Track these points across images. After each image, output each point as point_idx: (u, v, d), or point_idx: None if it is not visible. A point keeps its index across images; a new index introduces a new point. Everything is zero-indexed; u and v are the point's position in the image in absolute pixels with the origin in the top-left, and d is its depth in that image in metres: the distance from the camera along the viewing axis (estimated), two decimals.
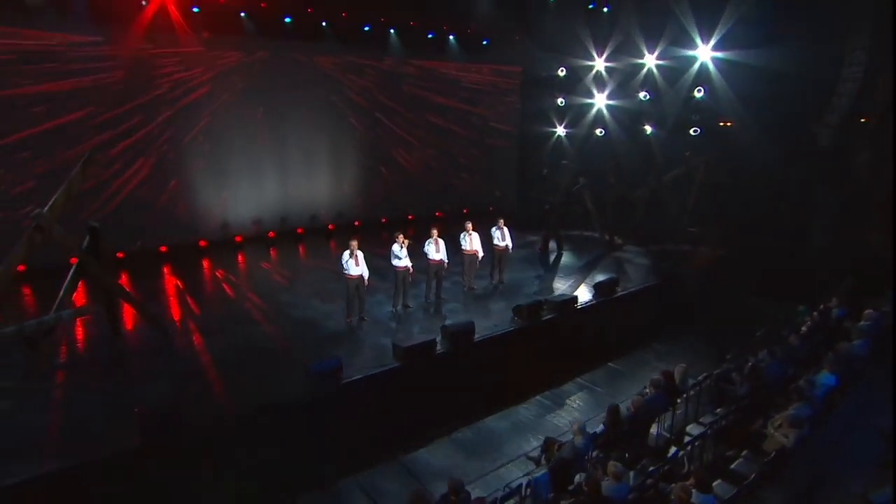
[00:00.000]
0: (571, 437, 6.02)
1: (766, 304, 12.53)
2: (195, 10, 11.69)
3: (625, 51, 15.02)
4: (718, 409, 6.82)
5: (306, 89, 14.12)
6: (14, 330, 7.12)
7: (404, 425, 7.26)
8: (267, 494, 6.19)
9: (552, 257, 13.64)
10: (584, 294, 10.69)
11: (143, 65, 11.64)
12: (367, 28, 14.51)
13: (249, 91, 13.16)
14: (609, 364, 9.83)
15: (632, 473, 5.54)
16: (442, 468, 6.84)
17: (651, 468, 5.58)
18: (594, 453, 6.00)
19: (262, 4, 12.48)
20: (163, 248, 12.50)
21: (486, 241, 10.79)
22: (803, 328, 8.85)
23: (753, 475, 5.26)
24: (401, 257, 9.30)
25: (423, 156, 16.91)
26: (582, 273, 12.36)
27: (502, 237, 10.85)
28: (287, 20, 13.08)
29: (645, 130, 15.28)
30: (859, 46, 11.88)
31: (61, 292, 7.55)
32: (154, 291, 10.39)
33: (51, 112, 10.69)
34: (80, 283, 8.97)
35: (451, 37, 16.27)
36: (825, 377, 7.08)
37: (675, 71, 14.29)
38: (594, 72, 15.77)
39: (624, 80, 15.47)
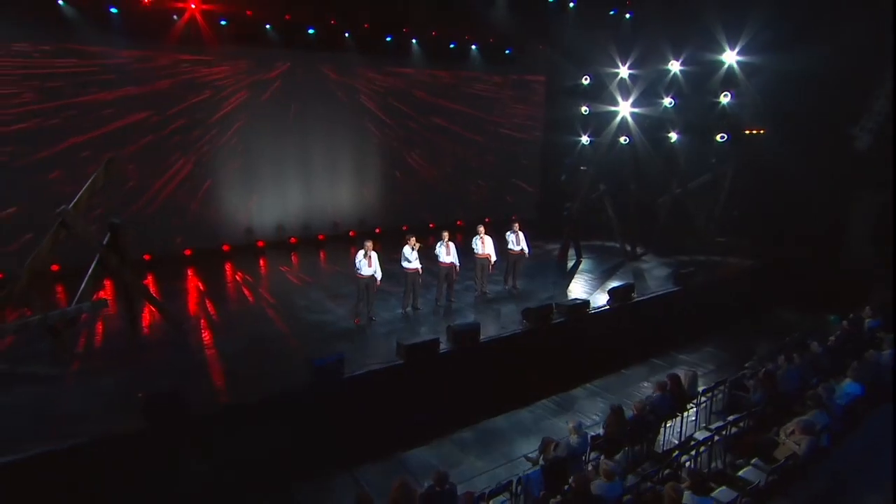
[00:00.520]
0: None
1: (796, 316, 11.98)
2: (223, 22, 12.22)
3: (649, 57, 14.76)
4: (730, 417, 6.50)
5: (329, 99, 14.46)
6: (39, 319, 7.52)
7: (405, 423, 7.20)
8: (262, 484, 6.23)
9: (570, 264, 13.40)
10: (598, 299, 10.44)
11: (181, 73, 12.31)
12: (389, 38, 14.79)
13: (274, 101, 13.59)
14: (623, 371, 9.52)
15: (629, 476, 5.33)
16: (439, 466, 6.69)
17: (650, 470, 5.36)
18: (592, 454, 5.81)
19: (286, 17, 12.93)
20: (187, 252, 12.95)
21: (501, 245, 10.71)
22: (831, 338, 8.41)
23: (759, 482, 4.97)
24: (411, 260, 9.38)
25: (444, 165, 17.02)
26: (599, 279, 12.08)
27: (517, 241, 10.73)
28: (310, 31, 13.48)
29: (669, 137, 14.93)
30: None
31: (83, 285, 7.92)
32: (175, 291, 10.75)
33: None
34: (104, 279, 9.46)
35: (473, 47, 16.39)
36: (849, 386, 6.69)
37: (701, 76, 13.94)
38: (618, 79, 15.56)
39: (649, 87, 15.18)
